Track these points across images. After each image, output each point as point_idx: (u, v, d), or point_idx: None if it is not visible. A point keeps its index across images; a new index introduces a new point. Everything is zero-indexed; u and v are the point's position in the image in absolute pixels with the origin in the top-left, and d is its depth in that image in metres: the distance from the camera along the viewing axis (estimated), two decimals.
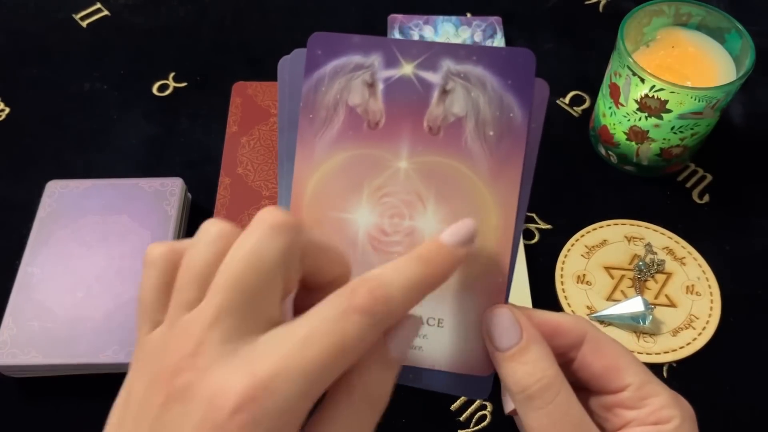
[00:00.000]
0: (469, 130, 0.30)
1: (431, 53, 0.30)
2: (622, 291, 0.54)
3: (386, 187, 0.30)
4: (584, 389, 0.31)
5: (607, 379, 0.30)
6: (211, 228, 0.26)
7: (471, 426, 0.49)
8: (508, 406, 0.31)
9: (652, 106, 0.55)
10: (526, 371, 0.28)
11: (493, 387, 0.31)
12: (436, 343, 0.31)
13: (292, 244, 0.25)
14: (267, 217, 0.25)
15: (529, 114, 0.30)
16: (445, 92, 0.30)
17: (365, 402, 0.25)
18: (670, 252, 0.56)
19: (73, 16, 0.74)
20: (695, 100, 0.53)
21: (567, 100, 0.68)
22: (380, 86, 0.30)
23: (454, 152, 0.30)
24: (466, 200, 0.30)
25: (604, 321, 0.53)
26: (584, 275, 0.55)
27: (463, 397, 0.50)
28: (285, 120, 0.31)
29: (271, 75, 0.69)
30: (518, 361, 0.28)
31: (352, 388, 0.25)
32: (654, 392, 0.29)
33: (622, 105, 0.57)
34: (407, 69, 0.30)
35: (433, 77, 0.30)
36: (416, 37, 0.70)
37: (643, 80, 0.54)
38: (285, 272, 0.25)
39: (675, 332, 0.52)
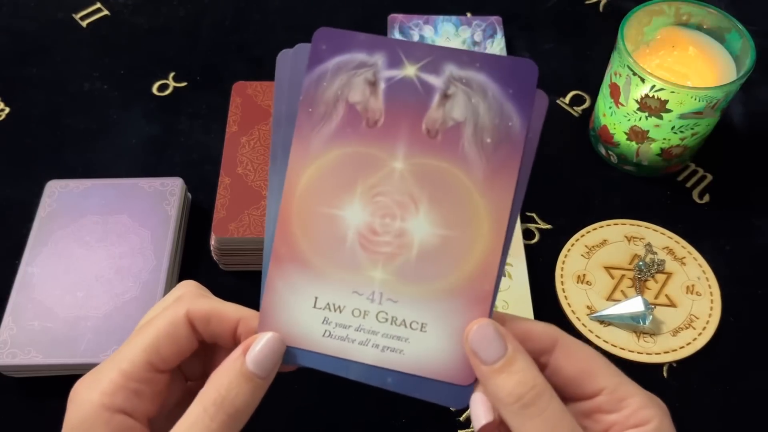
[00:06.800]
0: (467, 135, 0.30)
1: (435, 57, 0.30)
2: (622, 291, 0.54)
3: (380, 186, 0.30)
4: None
5: (581, 383, 0.30)
6: None
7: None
8: (479, 422, 0.29)
9: (652, 106, 0.55)
10: (519, 380, 0.28)
11: None
12: (418, 347, 0.30)
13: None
14: None
15: (528, 124, 0.30)
16: (446, 96, 0.30)
17: (219, 410, 0.28)
18: (670, 252, 0.56)
19: (73, 16, 0.74)
20: (695, 100, 0.53)
21: (567, 100, 0.68)
22: (382, 85, 0.30)
23: (451, 157, 0.30)
24: (459, 206, 0.30)
25: (604, 321, 0.53)
26: (584, 275, 0.55)
27: None
28: (282, 114, 0.31)
29: (271, 75, 0.69)
30: (507, 372, 0.28)
31: (204, 395, 0.28)
32: (629, 393, 0.29)
33: (622, 105, 0.57)
34: (410, 70, 0.30)
35: (435, 81, 0.30)
36: (416, 37, 0.70)
37: (643, 80, 0.54)
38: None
39: (675, 332, 0.52)
